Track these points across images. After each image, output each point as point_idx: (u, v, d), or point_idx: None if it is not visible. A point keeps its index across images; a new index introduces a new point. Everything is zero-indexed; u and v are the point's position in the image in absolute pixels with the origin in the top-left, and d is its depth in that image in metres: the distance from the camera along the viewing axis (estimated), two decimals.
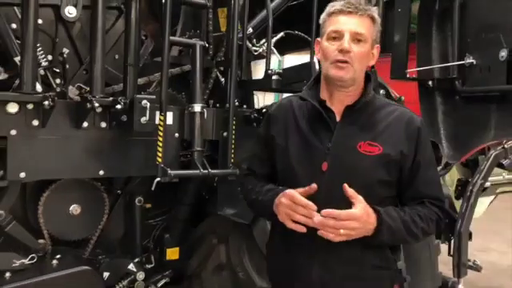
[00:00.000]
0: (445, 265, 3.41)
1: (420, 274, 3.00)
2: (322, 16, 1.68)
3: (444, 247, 3.51)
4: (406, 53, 3.15)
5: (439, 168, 3.56)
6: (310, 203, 1.51)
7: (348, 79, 1.60)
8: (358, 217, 1.49)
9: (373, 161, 1.60)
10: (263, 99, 4.01)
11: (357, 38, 1.58)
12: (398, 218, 1.58)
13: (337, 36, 1.59)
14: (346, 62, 1.57)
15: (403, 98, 3.34)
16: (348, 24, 1.58)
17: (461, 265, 3.25)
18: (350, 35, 1.57)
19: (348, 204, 1.52)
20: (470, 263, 3.53)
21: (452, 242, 3.38)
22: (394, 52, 3.25)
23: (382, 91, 3.06)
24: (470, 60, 2.93)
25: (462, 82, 3.00)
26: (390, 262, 1.68)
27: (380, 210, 1.55)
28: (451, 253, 3.36)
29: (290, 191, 1.56)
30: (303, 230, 1.52)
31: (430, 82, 3.19)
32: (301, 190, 1.55)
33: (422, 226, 1.61)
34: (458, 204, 3.57)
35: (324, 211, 1.48)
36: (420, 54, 3.25)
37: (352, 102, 1.66)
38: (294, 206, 1.53)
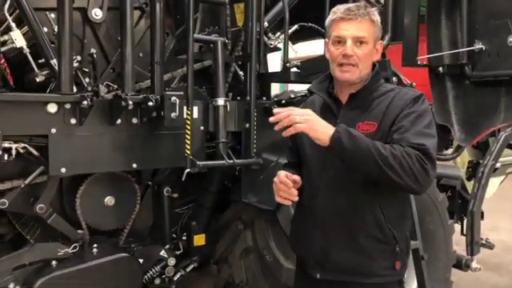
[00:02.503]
0: (458, 245, 3.54)
1: (436, 252, 3.15)
2: (327, 20, 1.82)
3: (457, 228, 3.64)
4: (417, 41, 3.24)
5: (450, 151, 3.69)
6: (287, 181, 1.67)
7: (354, 80, 1.76)
8: (289, 111, 1.60)
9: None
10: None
11: (359, 41, 1.72)
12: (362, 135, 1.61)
13: (340, 41, 1.74)
14: (351, 64, 1.72)
15: (414, 84, 3.45)
16: (349, 30, 1.71)
17: (474, 243, 3.35)
18: (352, 40, 1.71)
19: (349, 181, 1.69)
20: (483, 241, 3.65)
21: (465, 221, 3.51)
22: (405, 40, 3.34)
23: (394, 78, 3.17)
24: (479, 46, 3.02)
25: (472, 67, 3.10)
26: (389, 237, 1.73)
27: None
28: (464, 232, 3.48)
29: (279, 172, 1.73)
30: (288, 203, 1.70)
31: (441, 68, 3.28)
32: (296, 177, 1.72)
33: (393, 152, 1.53)
34: (469, 185, 3.68)
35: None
36: (430, 41, 3.34)
37: (356, 91, 1.81)
38: (279, 183, 1.70)
